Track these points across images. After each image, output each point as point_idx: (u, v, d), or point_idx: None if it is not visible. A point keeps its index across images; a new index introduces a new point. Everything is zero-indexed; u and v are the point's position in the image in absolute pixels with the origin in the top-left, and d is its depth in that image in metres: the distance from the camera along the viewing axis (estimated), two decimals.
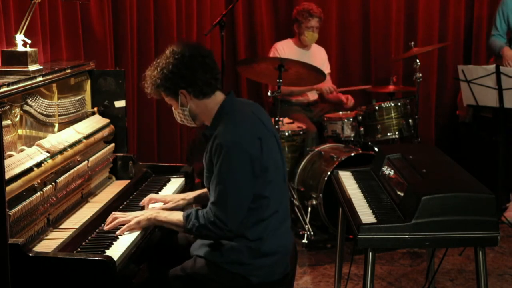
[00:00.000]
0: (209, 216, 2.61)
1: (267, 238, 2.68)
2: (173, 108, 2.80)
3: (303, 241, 4.50)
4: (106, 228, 2.71)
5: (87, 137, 3.14)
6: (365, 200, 3.09)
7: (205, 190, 3.04)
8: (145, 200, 2.99)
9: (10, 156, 2.57)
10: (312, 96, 5.47)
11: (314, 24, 5.25)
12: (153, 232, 2.76)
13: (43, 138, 2.86)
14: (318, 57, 5.40)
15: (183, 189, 3.32)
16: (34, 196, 2.57)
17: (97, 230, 2.72)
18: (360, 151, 4.70)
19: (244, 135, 2.61)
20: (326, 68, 5.36)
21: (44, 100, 2.93)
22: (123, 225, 2.70)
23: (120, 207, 2.99)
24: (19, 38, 2.97)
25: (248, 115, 2.71)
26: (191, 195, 3.02)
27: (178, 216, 2.70)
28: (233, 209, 2.59)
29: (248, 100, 2.91)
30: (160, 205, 2.95)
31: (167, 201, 2.97)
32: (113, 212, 2.78)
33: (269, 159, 2.66)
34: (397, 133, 5.02)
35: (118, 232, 2.66)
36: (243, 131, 2.62)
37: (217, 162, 2.59)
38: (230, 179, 2.58)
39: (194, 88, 2.68)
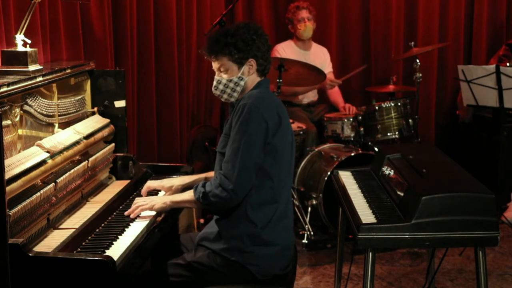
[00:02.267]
0: (215, 181, 2.68)
1: (268, 227, 2.72)
2: (218, 77, 2.79)
3: (303, 241, 4.51)
4: (126, 213, 2.84)
5: (87, 137, 3.13)
6: (365, 200, 3.10)
7: (201, 175, 3.08)
8: (144, 189, 3.04)
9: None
10: (313, 96, 5.47)
11: (305, 15, 5.28)
12: (153, 232, 2.77)
13: (43, 138, 2.86)
14: (319, 57, 5.41)
15: None
16: (34, 196, 2.57)
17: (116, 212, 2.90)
18: (360, 151, 4.70)
19: (266, 105, 2.70)
20: (327, 68, 5.37)
21: (44, 100, 2.93)
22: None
23: (120, 207, 3.00)
24: (19, 38, 2.96)
25: (275, 98, 2.84)
26: (187, 180, 3.06)
27: (189, 193, 2.78)
28: (241, 169, 2.64)
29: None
30: (162, 193, 3.04)
31: (164, 188, 3.02)
32: (137, 198, 2.91)
33: (281, 144, 2.72)
34: (397, 133, 5.02)
35: (131, 216, 2.81)
36: (267, 102, 2.72)
37: (236, 123, 2.66)
38: (244, 139, 2.64)
39: (263, 63, 2.78)
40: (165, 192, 3.02)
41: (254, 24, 2.83)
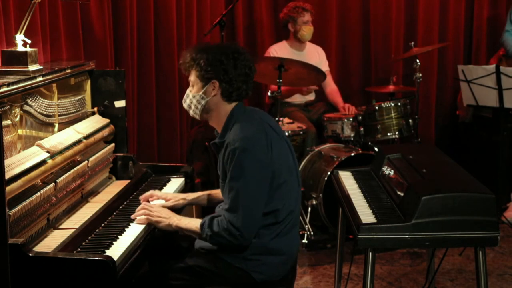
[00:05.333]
0: (222, 223, 2.62)
1: (276, 238, 2.69)
2: (188, 91, 2.76)
3: (303, 241, 4.50)
4: (133, 216, 2.81)
5: (87, 137, 3.13)
6: (365, 200, 3.09)
7: (205, 192, 3.07)
8: (146, 195, 3.02)
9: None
10: (310, 96, 5.47)
11: (309, 19, 5.28)
12: (153, 233, 2.77)
13: (43, 138, 2.86)
14: (314, 56, 5.39)
15: (183, 189, 3.33)
16: (34, 196, 2.57)
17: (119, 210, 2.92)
18: (360, 151, 4.70)
19: (254, 141, 2.61)
20: (323, 66, 5.35)
21: (44, 100, 2.93)
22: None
23: (120, 207, 3.00)
24: (19, 38, 2.96)
25: (257, 121, 2.72)
26: (190, 196, 3.06)
27: (196, 223, 2.71)
28: (246, 216, 2.58)
29: (254, 107, 2.91)
30: (160, 202, 2.99)
31: (167, 199, 3.00)
32: (146, 203, 2.87)
33: (281, 163, 2.67)
34: (397, 133, 5.02)
35: (135, 219, 2.79)
36: (253, 137, 2.63)
37: (229, 169, 2.60)
38: (241, 186, 2.58)
39: (227, 87, 2.67)
40: (166, 201, 3.00)
41: (236, 46, 2.73)
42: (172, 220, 2.77)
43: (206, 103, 2.71)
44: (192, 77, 2.73)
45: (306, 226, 4.54)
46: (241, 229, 2.58)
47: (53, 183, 2.74)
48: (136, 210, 2.84)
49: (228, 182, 2.61)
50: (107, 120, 3.44)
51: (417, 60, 5.20)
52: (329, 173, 4.49)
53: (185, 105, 2.79)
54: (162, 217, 2.78)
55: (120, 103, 3.49)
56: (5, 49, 3.00)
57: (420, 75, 5.20)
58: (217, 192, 3.04)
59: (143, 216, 2.79)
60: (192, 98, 2.74)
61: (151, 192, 3.05)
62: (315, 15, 5.42)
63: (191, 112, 2.77)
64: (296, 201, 2.77)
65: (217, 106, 2.72)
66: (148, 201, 3.00)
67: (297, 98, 5.42)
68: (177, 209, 2.99)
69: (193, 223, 2.74)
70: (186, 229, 2.75)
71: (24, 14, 3.00)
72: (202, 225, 2.67)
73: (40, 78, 2.86)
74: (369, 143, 5.02)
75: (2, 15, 3.31)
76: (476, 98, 4.70)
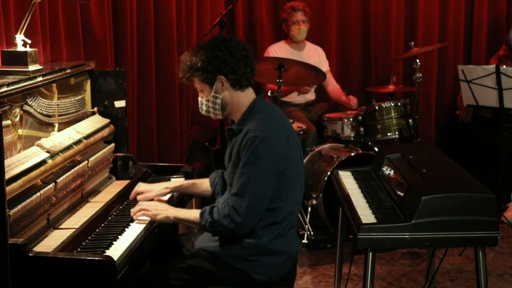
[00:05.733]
0: (224, 210, 2.62)
1: (276, 238, 2.69)
2: (199, 97, 2.78)
3: (303, 241, 4.50)
4: (132, 214, 2.81)
5: (87, 137, 3.13)
6: (365, 200, 3.09)
7: (189, 181, 3.08)
8: (132, 193, 3.03)
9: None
10: (310, 95, 5.47)
11: (300, 18, 5.27)
12: (153, 233, 2.77)
13: (43, 138, 2.86)
14: (313, 56, 5.39)
15: None
16: (34, 196, 2.57)
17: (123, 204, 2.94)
18: (360, 151, 4.70)
19: (275, 133, 2.65)
20: (323, 66, 5.35)
21: (44, 100, 2.93)
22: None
23: (120, 207, 3.00)
24: (19, 38, 2.96)
25: (279, 116, 2.76)
26: (172, 184, 3.06)
27: (195, 214, 2.72)
28: (251, 202, 2.60)
29: (274, 104, 2.94)
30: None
31: (150, 190, 3.00)
32: (141, 202, 2.88)
33: (292, 163, 2.68)
34: (397, 133, 5.02)
35: (135, 220, 2.79)
36: (274, 129, 2.66)
37: (245, 155, 2.61)
38: (253, 173, 2.59)
39: (234, 77, 2.69)
40: (149, 194, 3.00)
41: (221, 37, 2.76)
42: (169, 212, 2.77)
43: (221, 100, 2.73)
44: (197, 84, 2.75)
45: (306, 226, 4.54)
46: (243, 216, 2.59)
47: (53, 183, 2.74)
48: (132, 210, 2.84)
49: (241, 167, 2.62)
50: (107, 120, 3.44)
51: (417, 60, 5.20)
52: (329, 173, 4.49)
53: (203, 112, 2.80)
54: (159, 210, 2.78)
55: (120, 103, 3.49)
56: (5, 49, 3.00)
57: (420, 75, 5.20)
58: (201, 182, 3.04)
59: (140, 212, 2.79)
60: (207, 103, 2.76)
61: (136, 188, 3.04)
62: (315, 15, 5.42)
63: (212, 116, 2.79)
64: (297, 203, 2.77)
65: (232, 99, 2.74)
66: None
67: (297, 98, 5.42)
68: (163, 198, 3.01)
69: (191, 213, 2.75)
70: (185, 219, 2.76)
71: (24, 14, 3.00)
72: (202, 213, 2.68)
73: (40, 78, 2.86)
74: (369, 143, 5.02)
75: (2, 15, 3.31)
76: (476, 98, 4.70)
